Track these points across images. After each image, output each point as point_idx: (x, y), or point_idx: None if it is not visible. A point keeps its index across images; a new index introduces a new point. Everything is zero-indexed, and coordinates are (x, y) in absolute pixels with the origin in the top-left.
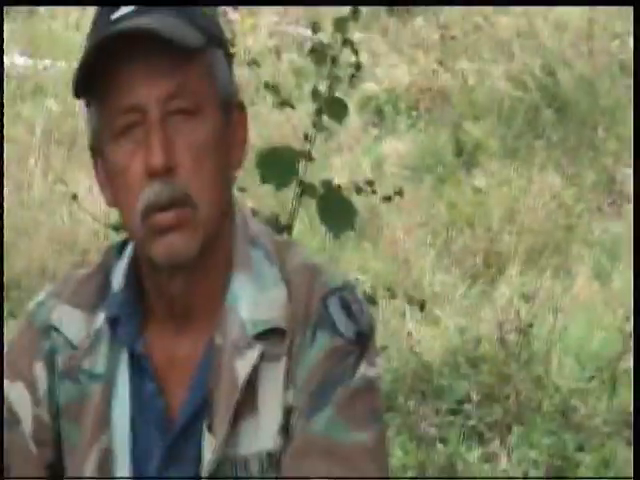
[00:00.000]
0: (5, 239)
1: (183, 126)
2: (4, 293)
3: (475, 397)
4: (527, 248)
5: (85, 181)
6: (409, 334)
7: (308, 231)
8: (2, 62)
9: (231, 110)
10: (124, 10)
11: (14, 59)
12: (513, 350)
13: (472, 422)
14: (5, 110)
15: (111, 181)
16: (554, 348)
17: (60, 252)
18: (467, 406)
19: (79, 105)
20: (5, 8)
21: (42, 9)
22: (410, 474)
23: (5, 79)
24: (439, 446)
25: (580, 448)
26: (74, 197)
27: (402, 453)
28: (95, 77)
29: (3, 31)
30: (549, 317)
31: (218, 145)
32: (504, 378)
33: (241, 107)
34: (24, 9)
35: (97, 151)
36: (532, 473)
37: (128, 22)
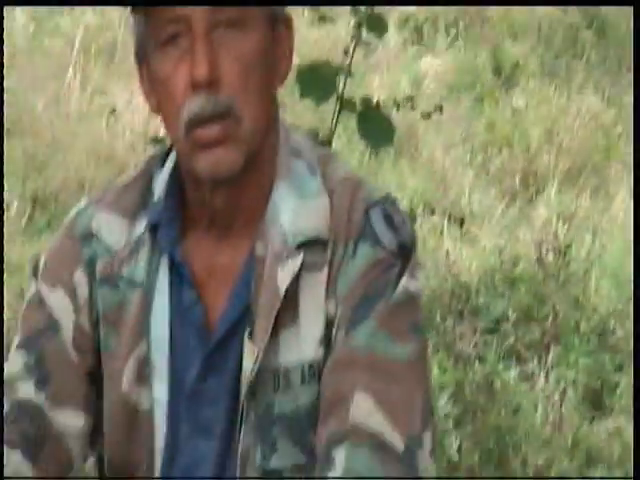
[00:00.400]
0: (43, 152)
1: (229, 38)
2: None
3: (513, 317)
4: (565, 168)
5: (123, 94)
6: (447, 253)
7: (346, 147)
8: (2, 62)
9: (278, 24)
10: None
11: None
12: (551, 270)
13: (510, 341)
14: (44, 22)
15: (156, 89)
16: (592, 269)
17: (98, 165)
18: (505, 325)
19: (117, 18)
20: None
21: None
22: (448, 392)
23: None
24: (476, 365)
25: (618, 369)
26: (113, 111)
27: (439, 372)
28: None
29: (3, 31)
30: (587, 238)
31: (264, 58)
32: (542, 298)
33: (288, 22)
34: None
35: (142, 59)
36: (570, 393)
37: None
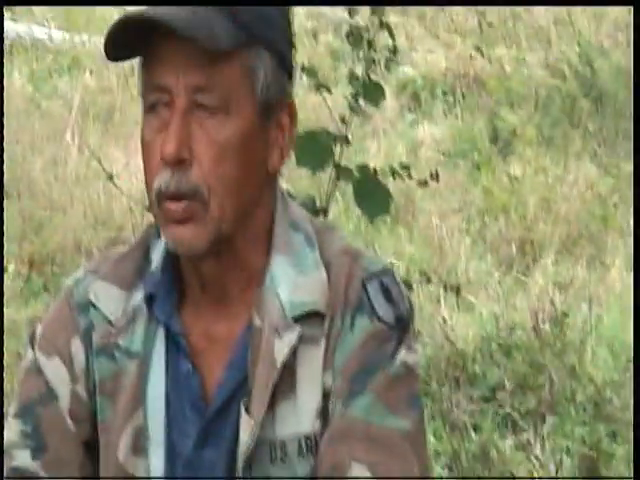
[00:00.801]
0: (40, 214)
1: (207, 121)
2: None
3: (509, 385)
4: (562, 237)
5: (121, 157)
6: (443, 320)
7: (343, 215)
8: (2, 60)
9: (273, 113)
10: None
11: (51, 33)
12: (547, 339)
13: (506, 410)
14: (42, 83)
15: (142, 151)
16: (588, 338)
17: (95, 228)
18: (501, 394)
19: (116, 81)
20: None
21: None
22: (443, 461)
23: (42, 52)
24: (472, 433)
25: (614, 439)
26: (110, 177)
27: (435, 440)
28: (135, 44)
29: (3, 31)
30: (583, 307)
31: (247, 146)
32: (538, 367)
33: (290, 111)
34: None
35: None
36: (565, 462)
37: (160, 11)
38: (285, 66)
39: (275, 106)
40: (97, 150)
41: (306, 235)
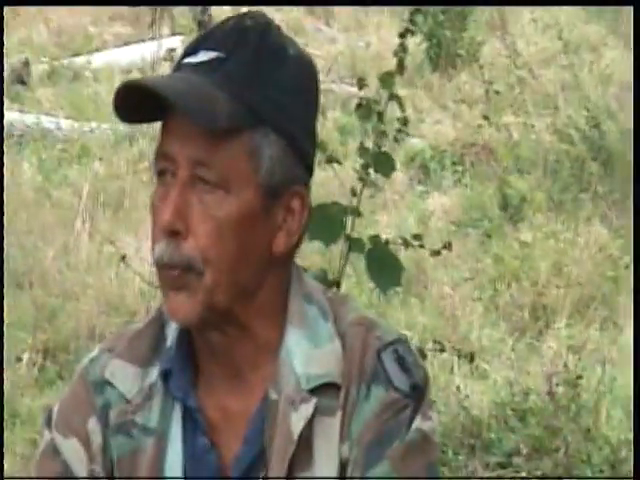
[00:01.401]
0: (53, 302)
1: (206, 196)
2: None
3: (524, 450)
4: (574, 300)
5: (132, 242)
6: (457, 389)
7: (355, 288)
8: (2, 60)
9: (280, 196)
10: (195, 58)
11: (60, 123)
12: (562, 402)
13: (522, 475)
14: (51, 174)
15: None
16: (603, 400)
17: (108, 314)
18: (517, 459)
19: (125, 166)
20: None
21: (87, 73)
22: None
23: (52, 142)
24: None
25: None
26: (123, 258)
27: None
28: (144, 110)
29: (3, 31)
30: (597, 369)
31: (247, 226)
32: (553, 430)
33: (302, 197)
34: (69, 74)
35: None
36: None
37: (160, 82)
38: (298, 151)
39: (282, 190)
40: (108, 236)
41: (320, 307)
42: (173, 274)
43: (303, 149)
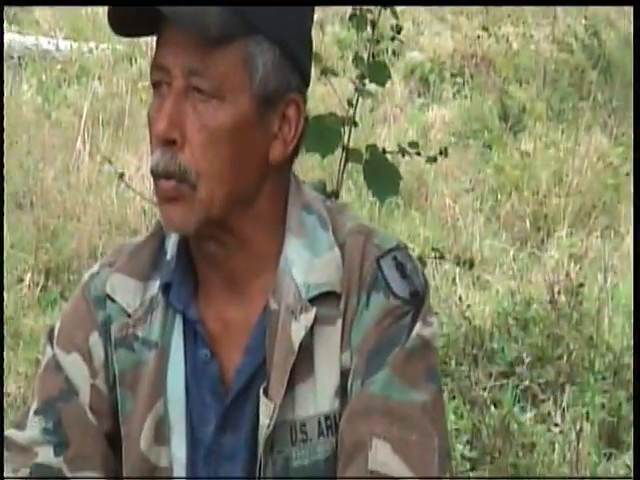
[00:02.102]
0: (54, 222)
1: (201, 105)
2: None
3: (527, 359)
4: (575, 209)
5: (133, 161)
6: (460, 299)
7: (356, 201)
8: (2, 58)
9: (275, 104)
10: None
11: (58, 43)
12: (564, 311)
13: (525, 384)
14: (51, 94)
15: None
16: (605, 307)
17: (109, 232)
18: (519, 368)
19: (125, 85)
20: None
21: None
22: (464, 438)
23: (50, 63)
24: (492, 409)
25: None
26: (121, 176)
27: (456, 417)
28: (139, 23)
29: (3, 31)
30: (599, 277)
31: (241, 135)
32: (556, 339)
33: (298, 105)
34: None
35: None
36: (586, 430)
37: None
38: (292, 60)
39: (277, 98)
40: (108, 155)
41: (319, 216)
42: (168, 185)
43: (297, 57)
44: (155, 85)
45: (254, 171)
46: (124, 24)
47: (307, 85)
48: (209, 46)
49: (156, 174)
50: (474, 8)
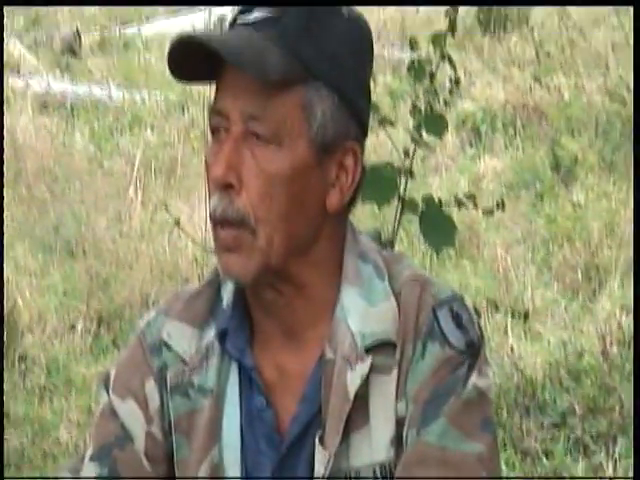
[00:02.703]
0: (107, 271)
1: (259, 150)
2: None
3: (579, 410)
4: (627, 260)
5: (185, 209)
6: (511, 349)
7: (408, 250)
8: (2, 59)
9: (333, 152)
10: (250, 16)
11: (111, 92)
12: (616, 362)
13: (577, 434)
14: (103, 142)
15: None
16: None
17: (162, 281)
18: (571, 419)
19: (177, 134)
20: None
21: (138, 42)
22: None
23: (103, 112)
24: (544, 460)
25: None
26: (177, 222)
27: (507, 468)
28: (199, 68)
29: (3, 31)
30: None
31: (298, 181)
32: (608, 390)
33: (355, 154)
34: (119, 43)
35: None
36: None
37: (214, 36)
38: (351, 108)
39: (335, 146)
40: (161, 203)
41: (375, 265)
42: (228, 233)
43: (356, 105)
44: (213, 131)
45: (312, 218)
46: (184, 69)
47: (365, 134)
48: (268, 91)
49: (214, 219)
50: (526, 58)
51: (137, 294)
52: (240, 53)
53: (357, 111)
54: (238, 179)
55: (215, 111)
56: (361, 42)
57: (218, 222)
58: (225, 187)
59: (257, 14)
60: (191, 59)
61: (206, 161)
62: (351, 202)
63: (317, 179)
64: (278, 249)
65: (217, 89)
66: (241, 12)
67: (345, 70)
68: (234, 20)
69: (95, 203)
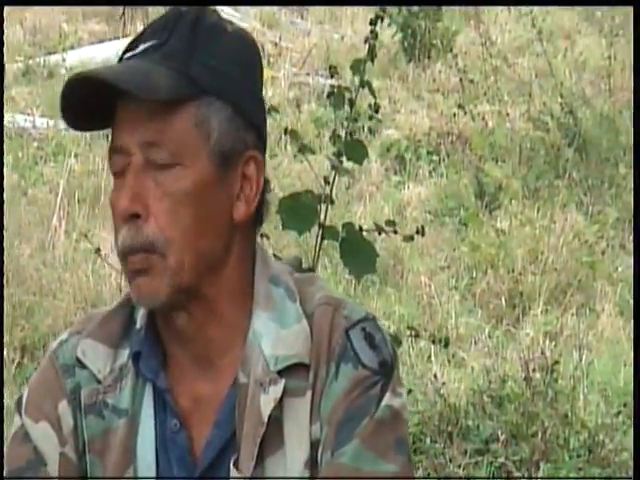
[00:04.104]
0: (30, 299)
1: (161, 176)
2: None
3: (502, 436)
4: (551, 287)
5: (108, 238)
6: (435, 377)
7: (332, 279)
8: (2, 59)
9: (233, 163)
10: (136, 49)
11: (35, 121)
12: (539, 388)
13: (500, 461)
14: (27, 171)
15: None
16: (580, 385)
17: (85, 309)
18: (494, 446)
19: (102, 162)
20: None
21: (62, 70)
22: None
23: (27, 140)
24: None
25: None
26: (97, 251)
27: None
28: (97, 110)
29: (3, 31)
30: (574, 355)
31: (204, 197)
32: (530, 416)
33: (257, 163)
34: (44, 72)
35: None
36: None
37: (106, 68)
38: (246, 117)
39: (235, 156)
40: (84, 232)
41: (286, 288)
42: (137, 259)
43: (251, 115)
44: (115, 174)
45: (220, 233)
46: (77, 120)
47: (264, 143)
48: (161, 115)
49: (123, 250)
50: (450, 86)
51: (61, 323)
52: (128, 78)
53: (253, 121)
54: (144, 207)
55: (113, 150)
56: (248, 54)
57: (127, 252)
58: (131, 217)
59: (143, 45)
60: (83, 99)
61: (111, 203)
62: (257, 215)
63: (222, 193)
64: (189, 268)
65: (113, 130)
66: (128, 48)
67: (235, 82)
68: (122, 56)
69: (19, 231)
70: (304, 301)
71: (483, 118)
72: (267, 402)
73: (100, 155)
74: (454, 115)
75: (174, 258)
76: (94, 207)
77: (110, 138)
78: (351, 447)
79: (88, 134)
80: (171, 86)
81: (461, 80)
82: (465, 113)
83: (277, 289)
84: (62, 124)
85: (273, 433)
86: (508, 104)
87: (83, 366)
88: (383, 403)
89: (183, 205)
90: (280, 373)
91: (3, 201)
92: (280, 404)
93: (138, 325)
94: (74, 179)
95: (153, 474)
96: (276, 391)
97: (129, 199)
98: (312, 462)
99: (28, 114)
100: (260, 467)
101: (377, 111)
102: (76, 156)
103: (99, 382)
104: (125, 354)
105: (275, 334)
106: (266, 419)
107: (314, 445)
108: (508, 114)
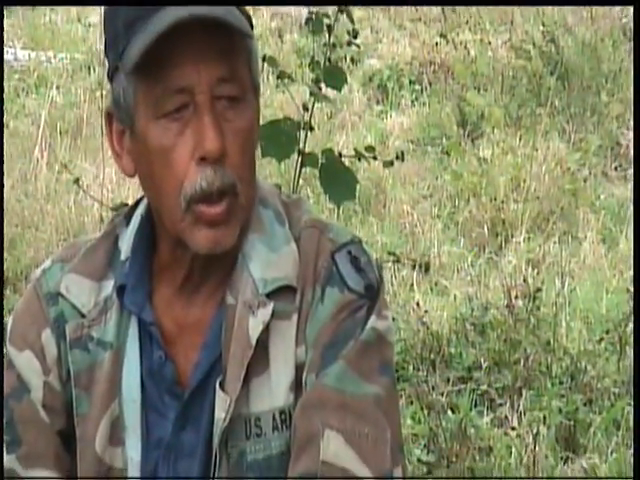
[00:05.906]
0: (12, 231)
1: (229, 112)
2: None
3: (485, 364)
4: (533, 215)
5: (91, 170)
6: (417, 305)
7: (314, 207)
8: (2, 59)
9: (259, 96)
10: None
11: (16, 53)
12: (521, 316)
13: (482, 388)
14: (9, 104)
15: (148, 159)
16: (562, 312)
17: (67, 241)
18: (477, 373)
19: (83, 94)
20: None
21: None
22: (422, 442)
23: (8, 72)
24: (450, 413)
25: (590, 408)
26: (76, 181)
27: (413, 422)
28: (147, 58)
29: (3, 30)
30: (557, 282)
31: (255, 131)
32: (513, 344)
33: (259, 93)
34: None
35: (125, 122)
36: (543, 434)
37: (186, 10)
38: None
39: (259, 91)
40: (67, 164)
41: (275, 211)
42: (219, 206)
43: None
44: (165, 114)
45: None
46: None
47: None
48: (229, 52)
49: (205, 195)
50: (432, 15)
51: (43, 254)
52: (224, 13)
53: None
54: (225, 146)
55: (173, 90)
56: None
57: (208, 197)
58: (218, 159)
59: None
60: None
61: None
62: None
63: (258, 125)
64: (251, 202)
65: (161, 72)
66: None
67: (250, 19)
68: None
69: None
70: (291, 224)
71: (465, 47)
72: (255, 325)
73: (82, 87)
74: (436, 44)
75: (245, 200)
76: (76, 139)
77: (159, 82)
78: (335, 369)
79: (70, 67)
80: (246, 24)
81: (443, 9)
82: (447, 42)
83: (266, 211)
84: (44, 56)
85: (259, 355)
86: (490, 33)
87: (66, 299)
88: (368, 326)
89: (248, 141)
90: (268, 296)
91: (3, 197)
92: (267, 327)
93: (123, 256)
94: (56, 111)
95: (138, 406)
96: (264, 314)
97: (219, 140)
98: (297, 384)
99: (10, 46)
100: (245, 388)
101: (356, 37)
102: (58, 88)
103: (83, 316)
104: (110, 286)
105: (264, 257)
106: (254, 342)
107: (299, 367)
108: (490, 43)
